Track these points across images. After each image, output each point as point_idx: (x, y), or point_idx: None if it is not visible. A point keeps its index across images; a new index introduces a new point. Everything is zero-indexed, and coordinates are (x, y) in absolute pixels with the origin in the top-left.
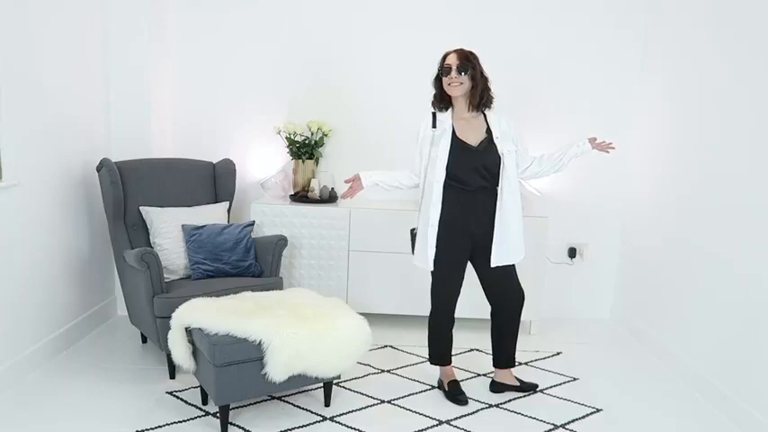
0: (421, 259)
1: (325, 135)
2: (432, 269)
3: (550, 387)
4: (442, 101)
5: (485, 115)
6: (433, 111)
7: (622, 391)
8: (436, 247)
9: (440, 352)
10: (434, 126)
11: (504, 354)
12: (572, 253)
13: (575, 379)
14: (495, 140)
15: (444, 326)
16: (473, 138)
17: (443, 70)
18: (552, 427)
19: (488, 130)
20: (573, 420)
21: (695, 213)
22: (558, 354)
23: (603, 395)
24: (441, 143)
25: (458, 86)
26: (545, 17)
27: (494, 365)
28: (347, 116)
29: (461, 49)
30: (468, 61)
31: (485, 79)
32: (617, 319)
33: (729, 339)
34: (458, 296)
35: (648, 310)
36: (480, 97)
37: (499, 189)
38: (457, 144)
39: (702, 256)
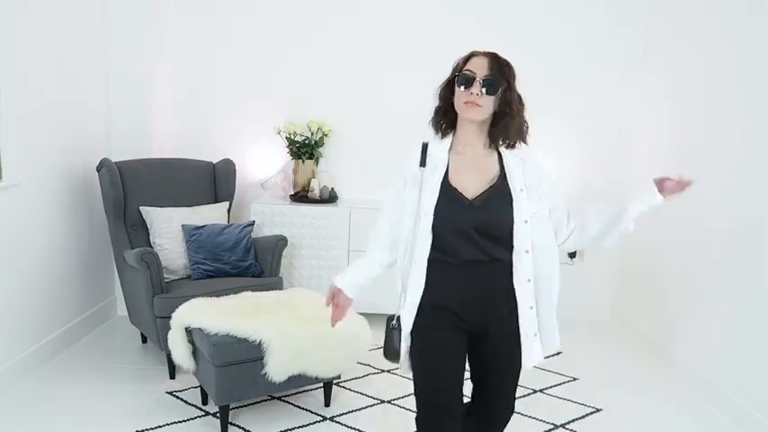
0: (391, 354)
1: (325, 135)
2: (401, 369)
3: (550, 387)
4: (445, 117)
5: (499, 153)
6: (424, 141)
7: (622, 391)
8: (414, 339)
9: None
10: (423, 164)
11: None
12: (572, 253)
13: (575, 379)
14: (515, 194)
15: None
16: (472, 184)
17: (461, 78)
18: (552, 426)
19: (501, 176)
20: (573, 420)
21: (695, 213)
22: (558, 354)
23: (603, 395)
24: (428, 187)
25: (477, 109)
26: (545, 17)
27: None
28: (347, 116)
29: (495, 55)
30: (501, 76)
31: (521, 107)
32: (617, 319)
33: (729, 339)
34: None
35: (648, 310)
36: (506, 133)
37: (527, 272)
38: (447, 191)
39: (702, 256)
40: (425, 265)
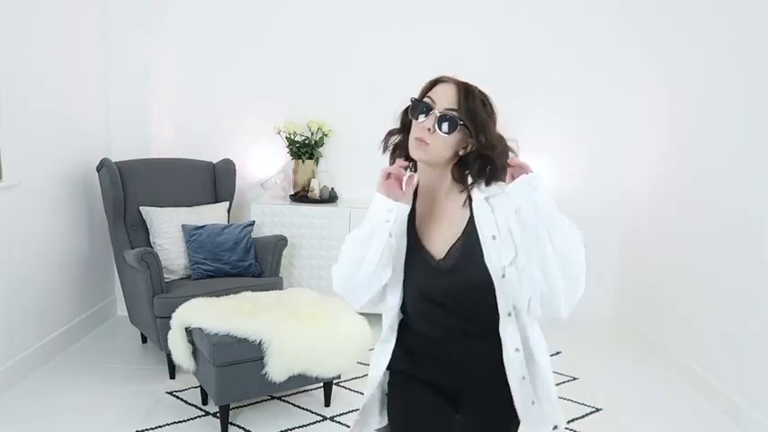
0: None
1: (325, 135)
2: None
3: None
4: (400, 147)
5: (469, 195)
6: None
7: (622, 391)
8: (393, 417)
9: None
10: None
11: None
12: None
13: (575, 379)
14: (485, 244)
15: None
16: (441, 237)
17: (419, 106)
18: (552, 426)
19: (470, 223)
20: (573, 420)
21: (695, 213)
22: (558, 354)
23: (603, 395)
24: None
25: (424, 148)
26: (545, 18)
27: None
28: (347, 116)
29: (466, 85)
30: (468, 112)
31: (500, 145)
32: (617, 319)
33: (729, 339)
34: None
35: (648, 310)
36: (487, 180)
37: (514, 341)
38: (414, 250)
39: (702, 256)
40: (396, 327)
